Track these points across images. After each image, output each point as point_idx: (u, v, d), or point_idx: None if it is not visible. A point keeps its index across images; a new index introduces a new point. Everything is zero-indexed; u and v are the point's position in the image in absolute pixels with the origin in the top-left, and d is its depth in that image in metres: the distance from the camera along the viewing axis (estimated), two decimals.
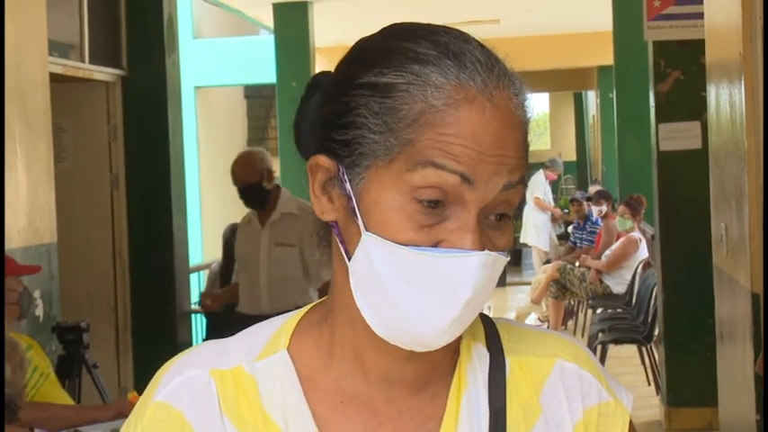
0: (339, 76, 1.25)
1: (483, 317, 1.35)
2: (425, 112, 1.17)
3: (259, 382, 1.27)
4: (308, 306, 1.34)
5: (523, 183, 1.22)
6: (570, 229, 14.23)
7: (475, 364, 1.30)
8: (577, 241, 13.15)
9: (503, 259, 1.21)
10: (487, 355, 1.31)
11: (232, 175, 6.48)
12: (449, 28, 1.25)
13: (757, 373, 4.41)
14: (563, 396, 1.31)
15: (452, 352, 1.30)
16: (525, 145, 1.23)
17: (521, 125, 1.22)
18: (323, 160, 1.24)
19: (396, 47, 1.22)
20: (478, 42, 1.23)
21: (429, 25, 1.25)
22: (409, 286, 1.18)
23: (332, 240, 1.28)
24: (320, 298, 5.48)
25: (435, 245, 1.18)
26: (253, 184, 6.39)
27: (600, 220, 12.48)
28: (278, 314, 5.03)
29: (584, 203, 13.04)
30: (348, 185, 1.21)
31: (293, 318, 1.32)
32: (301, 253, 6.31)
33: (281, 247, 6.36)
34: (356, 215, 1.20)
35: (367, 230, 1.19)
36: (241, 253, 6.62)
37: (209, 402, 1.26)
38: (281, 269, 6.34)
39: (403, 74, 1.19)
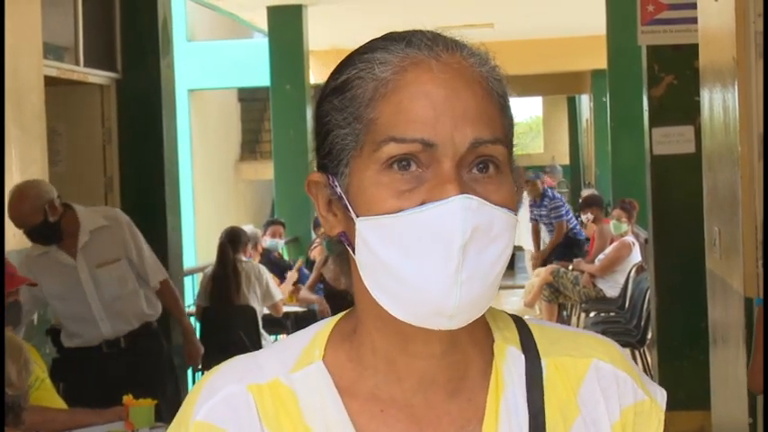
0: (316, 103, 1.30)
1: (515, 318, 1.36)
2: (378, 88, 1.21)
3: (298, 394, 1.27)
4: (338, 316, 1.33)
5: (501, 142, 1.22)
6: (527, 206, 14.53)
7: (510, 367, 1.30)
8: (537, 218, 13.25)
9: (498, 209, 1.20)
10: (522, 356, 1.31)
11: (16, 218, 5.46)
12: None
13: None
14: (600, 396, 1.31)
15: (483, 352, 1.30)
16: (495, 101, 1.23)
17: (480, 80, 1.23)
18: (315, 176, 1.28)
19: (353, 52, 1.27)
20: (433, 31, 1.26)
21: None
22: (404, 253, 1.18)
23: (348, 257, 1.28)
24: (162, 298, 5.47)
25: (420, 206, 1.19)
26: (37, 225, 5.45)
27: (553, 191, 12.90)
28: (121, 337, 4.87)
29: (538, 182, 13.13)
30: (338, 189, 1.24)
31: (324, 328, 1.32)
32: (130, 261, 5.72)
33: (104, 267, 5.65)
34: (348, 210, 1.23)
35: (358, 217, 1.22)
36: (52, 290, 5.61)
37: (249, 419, 1.26)
38: (112, 290, 5.65)
39: (355, 65, 1.24)
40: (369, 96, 1.21)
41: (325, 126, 1.25)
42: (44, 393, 4.51)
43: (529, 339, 1.32)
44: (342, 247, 1.28)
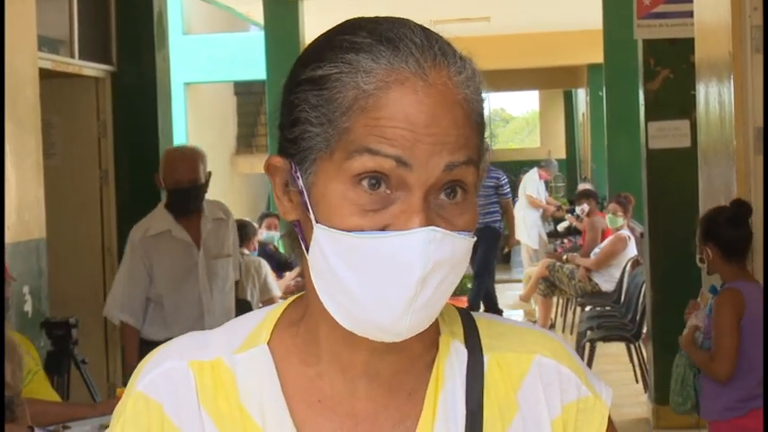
0: (288, 77, 1.27)
1: (462, 312, 1.34)
2: (358, 98, 1.18)
3: (237, 375, 1.27)
4: (290, 300, 1.33)
5: (474, 163, 1.20)
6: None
7: (453, 362, 1.29)
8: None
9: (460, 238, 1.19)
10: (465, 352, 1.29)
11: (174, 174, 5.38)
12: (394, 17, 1.25)
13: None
14: (541, 392, 1.29)
15: (430, 346, 1.29)
16: (473, 123, 1.21)
17: (462, 102, 1.20)
18: (276, 160, 1.26)
19: (334, 40, 1.23)
20: (422, 27, 1.23)
21: (375, 17, 1.25)
22: (360, 274, 1.17)
23: (300, 243, 1.27)
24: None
25: (382, 229, 1.17)
26: (193, 186, 5.37)
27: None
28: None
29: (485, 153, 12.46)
30: (300, 182, 1.22)
31: (275, 311, 1.32)
32: (234, 259, 5.65)
33: (219, 259, 5.52)
34: (308, 209, 1.21)
35: (317, 223, 1.20)
36: (164, 272, 5.44)
37: (187, 394, 1.26)
38: (220, 284, 5.51)
39: (337, 64, 1.20)
40: (347, 105, 1.18)
41: (296, 114, 1.22)
42: (37, 386, 4.50)
43: (473, 334, 1.31)
44: (293, 229, 1.27)
